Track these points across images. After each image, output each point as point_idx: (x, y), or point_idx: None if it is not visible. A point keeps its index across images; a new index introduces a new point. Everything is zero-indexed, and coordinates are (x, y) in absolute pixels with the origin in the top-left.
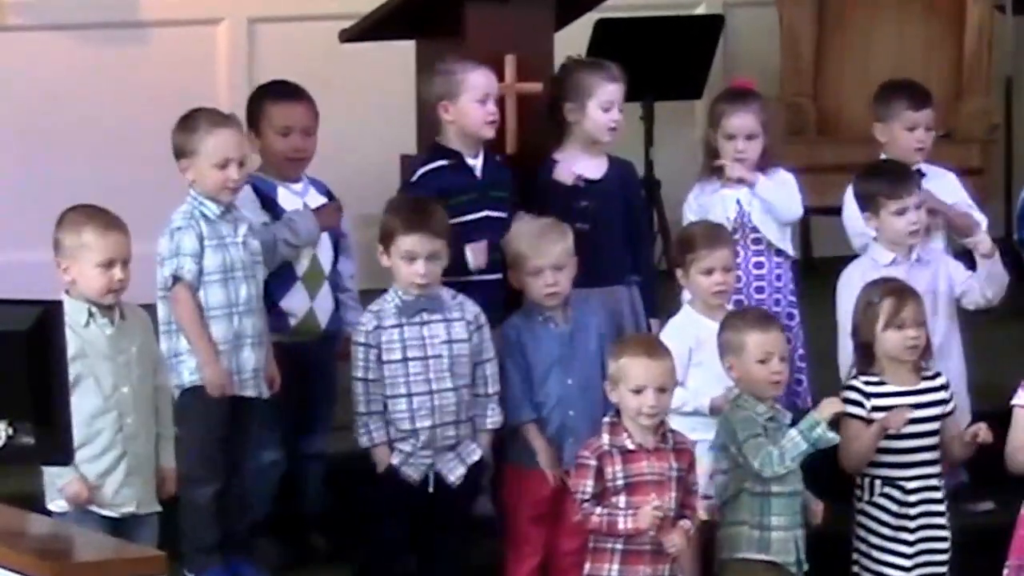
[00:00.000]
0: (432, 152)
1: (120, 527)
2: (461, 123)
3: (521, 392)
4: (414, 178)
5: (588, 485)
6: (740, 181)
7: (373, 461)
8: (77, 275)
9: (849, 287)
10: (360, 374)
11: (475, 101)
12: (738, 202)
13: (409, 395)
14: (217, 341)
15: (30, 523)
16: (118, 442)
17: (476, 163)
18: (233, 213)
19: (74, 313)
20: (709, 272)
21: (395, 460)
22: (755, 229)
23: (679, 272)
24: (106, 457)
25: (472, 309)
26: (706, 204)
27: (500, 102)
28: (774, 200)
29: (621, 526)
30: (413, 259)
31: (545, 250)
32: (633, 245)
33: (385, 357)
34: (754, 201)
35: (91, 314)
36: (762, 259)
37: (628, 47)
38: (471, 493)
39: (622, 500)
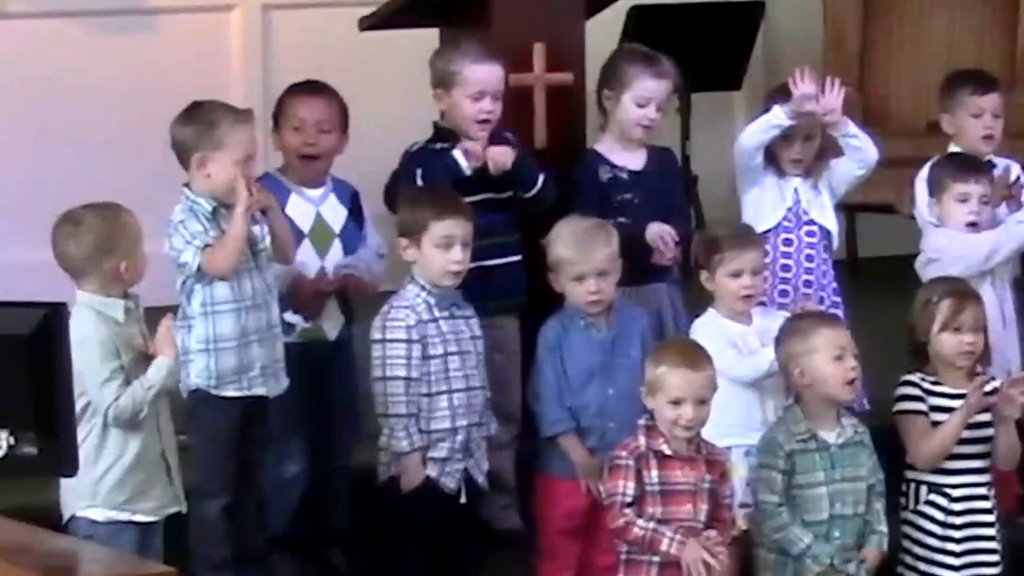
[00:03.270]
0: (434, 134)
1: (149, 532)
2: (453, 115)
3: (558, 401)
4: (413, 148)
5: (629, 487)
6: (827, 116)
7: (398, 472)
8: (130, 264)
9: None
10: (402, 372)
11: (468, 96)
12: (796, 191)
13: (450, 392)
14: (224, 338)
15: (35, 538)
16: (157, 443)
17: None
18: (229, 209)
19: (110, 310)
20: (737, 275)
21: (432, 472)
22: (811, 222)
23: (703, 274)
24: (150, 461)
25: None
26: (768, 192)
27: (526, 93)
28: (863, 143)
29: (664, 547)
30: (450, 245)
31: (590, 255)
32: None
33: (429, 352)
34: (811, 193)
35: (127, 310)
36: (813, 252)
37: (664, 35)
38: (481, 505)
39: (658, 509)
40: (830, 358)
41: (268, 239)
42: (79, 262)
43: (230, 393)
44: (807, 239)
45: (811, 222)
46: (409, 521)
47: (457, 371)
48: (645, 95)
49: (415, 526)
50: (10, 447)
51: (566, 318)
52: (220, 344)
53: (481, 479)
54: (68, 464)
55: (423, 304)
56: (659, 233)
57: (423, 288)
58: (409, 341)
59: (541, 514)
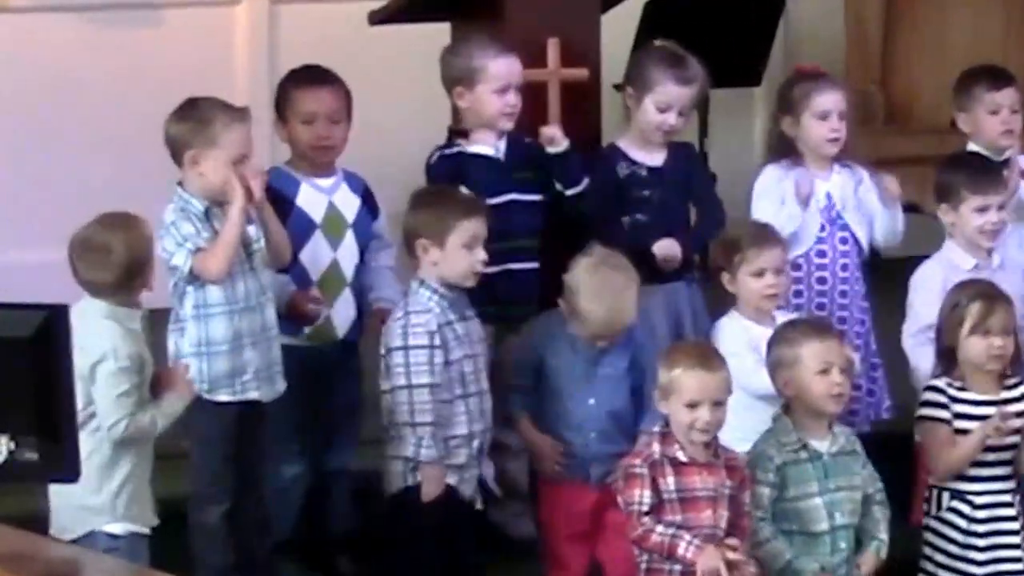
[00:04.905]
0: (450, 138)
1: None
2: (477, 112)
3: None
4: (432, 159)
5: (645, 496)
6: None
7: (415, 482)
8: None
9: (926, 289)
10: (426, 379)
11: (494, 91)
12: (828, 195)
13: (466, 396)
14: (217, 341)
15: (37, 546)
16: (147, 454)
17: (498, 144)
18: (222, 208)
19: (131, 321)
20: (760, 274)
21: (451, 479)
22: (845, 227)
23: (725, 276)
24: (147, 471)
25: None
26: (791, 192)
27: (540, 89)
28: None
29: (681, 551)
30: (474, 245)
31: (619, 318)
32: (697, 220)
33: (449, 357)
34: (847, 195)
35: (142, 318)
36: (847, 260)
37: (681, 30)
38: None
39: (677, 517)
40: (815, 371)
41: (263, 240)
42: (111, 285)
43: (223, 398)
44: (841, 247)
45: (846, 227)
46: (426, 530)
47: (471, 375)
48: (666, 100)
49: (433, 535)
50: (10, 452)
51: (555, 322)
52: (212, 347)
53: (492, 484)
54: (69, 469)
55: (438, 308)
56: (665, 254)
57: (435, 291)
58: (432, 347)
59: (546, 521)
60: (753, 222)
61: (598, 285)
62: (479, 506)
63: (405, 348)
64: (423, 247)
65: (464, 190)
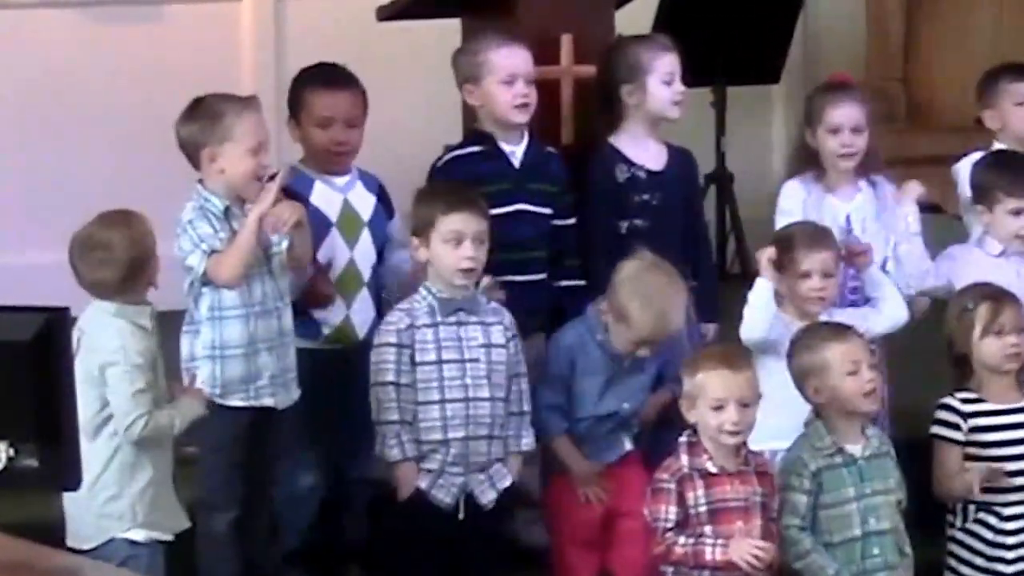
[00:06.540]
0: (466, 137)
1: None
2: (488, 107)
3: (552, 403)
4: (440, 163)
5: (671, 512)
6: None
7: (393, 482)
8: (155, 269)
9: (966, 269)
10: (391, 378)
11: (500, 83)
12: (848, 218)
13: (442, 401)
14: (231, 345)
15: (36, 554)
16: (167, 459)
17: (515, 150)
18: (243, 208)
19: (140, 319)
20: (806, 275)
21: (423, 483)
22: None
23: (769, 271)
24: (168, 475)
25: (508, 316)
26: (813, 211)
27: (552, 86)
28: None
29: (708, 556)
30: (459, 241)
31: (662, 333)
32: (690, 242)
33: (418, 358)
34: (868, 215)
35: (151, 316)
36: (858, 283)
37: (698, 26)
38: (501, 522)
39: (707, 529)
40: (844, 373)
41: (285, 243)
42: (115, 284)
43: (236, 403)
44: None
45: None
46: (403, 533)
47: (454, 380)
48: (669, 71)
49: (410, 538)
50: (10, 459)
51: (585, 329)
52: (226, 351)
53: (487, 497)
54: (70, 477)
55: (425, 308)
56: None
57: (430, 292)
58: (399, 346)
59: (555, 527)
60: (808, 222)
61: (647, 290)
62: (461, 515)
63: (376, 346)
64: (414, 245)
65: (463, 186)
